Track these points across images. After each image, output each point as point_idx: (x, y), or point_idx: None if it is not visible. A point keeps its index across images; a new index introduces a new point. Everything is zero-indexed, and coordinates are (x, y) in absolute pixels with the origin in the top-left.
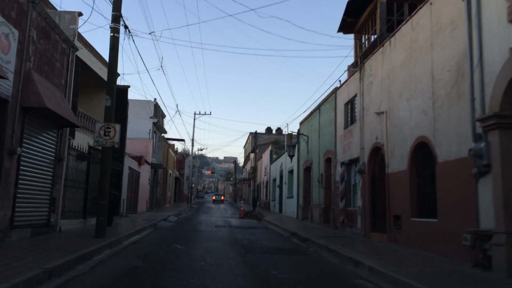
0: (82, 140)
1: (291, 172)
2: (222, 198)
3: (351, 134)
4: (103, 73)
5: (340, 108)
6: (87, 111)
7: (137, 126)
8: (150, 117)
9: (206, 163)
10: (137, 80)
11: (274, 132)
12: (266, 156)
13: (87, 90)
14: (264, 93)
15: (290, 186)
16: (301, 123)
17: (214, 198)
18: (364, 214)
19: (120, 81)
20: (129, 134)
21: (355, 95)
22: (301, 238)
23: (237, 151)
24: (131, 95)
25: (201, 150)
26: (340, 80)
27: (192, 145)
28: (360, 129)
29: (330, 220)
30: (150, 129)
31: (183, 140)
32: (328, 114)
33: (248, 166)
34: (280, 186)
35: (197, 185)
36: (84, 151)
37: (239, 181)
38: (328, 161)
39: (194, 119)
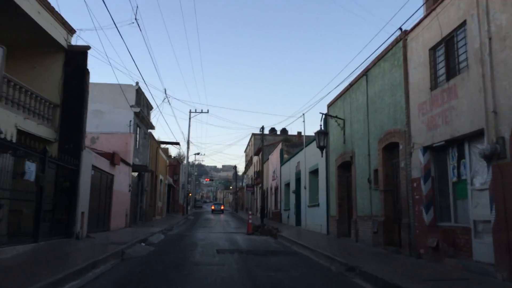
0: (5, 120)
1: (314, 172)
2: (222, 207)
3: (453, 94)
4: (43, 21)
5: (418, 59)
6: (27, 81)
7: (115, 117)
8: (131, 106)
9: (204, 172)
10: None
11: (278, 133)
12: (274, 157)
13: (28, 52)
14: (270, 86)
15: (314, 191)
16: (329, 105)
17: (213, 208)
18: (505, 235)
19: (76, 41)
20: (104, 127)
21: (461, 25)
22: (376, 281)
23: (238, 154)
24: (107, 77)
25: (198, 154)
26: (401, 28)
27: (188, 147)
28: (483, 78)
29: (400, 242)
30: (131, 121)
31: (177, 143)
32: (388, 76)
33: (251, 172)
34: (297, 192)
35: (195, 194)
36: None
37: (240, 189)
38: (389, 148)
39: (190, 118)
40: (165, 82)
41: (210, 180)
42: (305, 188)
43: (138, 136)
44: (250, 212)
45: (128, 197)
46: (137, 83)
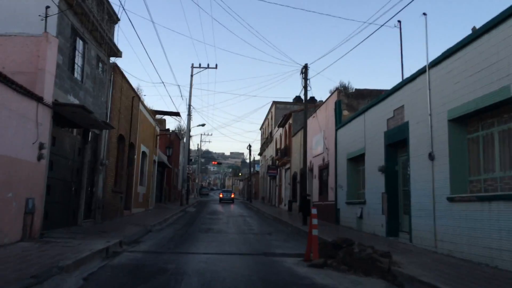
0: None
1: (461, 119)
2: (232, 196)
3: None
4: None
5: None
6: None
7: (12, 4)
8: None
9: (212, 159)
10: None
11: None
12: (321, 118)
13: None
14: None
15: (457, 161)
16: None
17: (221, 196)
18: None
19: None
20: None
21: None
22: None
23: (250, 136)
24: None
25: (203, 125)
26: None
27: (189, 114)
28: None
29: None
30: (48, 8)
31: (176, 114)
32: None
33: (270, 152)
34: (391, 170)
35: (201, 180)
36: None
37: (253, 174)
38: None
39: (192, 75)
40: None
41: (218, 163)
42: (431, 158)
43: (76, 53)
44: (313, 207)
45: (39, 171)
46: None
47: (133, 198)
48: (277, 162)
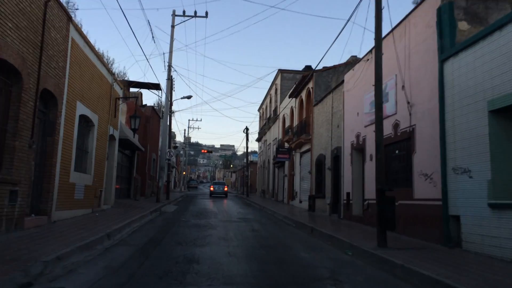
0: None
1: None
2: (226, 189)
3: None
4: None
5: None
6: None
7: None
8: None
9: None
10: None
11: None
12: (391, 53)
13: None
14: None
15: None
16: None
17: (212, 188)
18: None
19: None
20: None
21: None
22: None
23: (246, 116)
24: None
25: (189, 97)
26: None
27: (169, 77)
28: None
29: None
30: None
31: (156, 86)
32: None
33: (274, 133)
34: None
35: (189, 173)
36: None
37: (249, 164)
38: None
39: (173, 25)
40: None
41: (208, 152)
42: None
43: None
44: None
45: None
46: None
47: (58, 193)
48: (286, 144)
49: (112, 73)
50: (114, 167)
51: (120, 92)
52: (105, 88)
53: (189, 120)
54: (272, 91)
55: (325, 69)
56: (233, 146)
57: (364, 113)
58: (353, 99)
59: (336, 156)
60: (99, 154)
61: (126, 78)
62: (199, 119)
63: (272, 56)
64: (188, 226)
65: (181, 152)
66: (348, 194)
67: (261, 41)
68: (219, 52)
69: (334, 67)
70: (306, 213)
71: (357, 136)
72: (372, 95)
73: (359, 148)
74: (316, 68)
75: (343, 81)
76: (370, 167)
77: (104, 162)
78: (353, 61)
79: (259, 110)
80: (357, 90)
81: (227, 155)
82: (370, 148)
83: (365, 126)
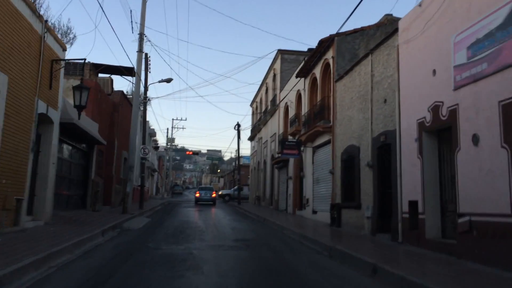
0: None
1: None
2: (214, 195)
3: None
4: None
5: None
6: None
7: None
8: None
9: (187, 157)
10: None
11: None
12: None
13: None
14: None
15: None
16: None
17: (197, 195)
18: None
19: None
20: None
21: None
22: None
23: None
24: None
25: (169, 81)
26: None
27: (141, 49)
28: None
29: None
30: None
31: (129, 71)
32: None
33: (273, 127)
34: None
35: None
36: None
37: (239, 168)
38: None
39: None
40: None
41: (193, 153)
42: None
43: None
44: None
45: None
46: None
47: None
48: (290, 137)
49: (41, 18)
50: (51, 164)
51: (60, 54)
52: (25, 37)
53: (173, 119)
54: (269, 79)
55: (351, 32)
56: (220, 151)
57: (453, 67)
58: (422, 51)
59: (383, 146)
60: (12, 140)
61: (92, 62)
62: (183, 118)
63: (268, 41)
64: (152, 264)
65: (165, 155)
66: (413, 204)
67: (251, 21)
68: (203, 36)
69: (362, 29)
70: (328, 230)
71: (435, 108)
72: (476, 31)
73: (439, 128)
74: (339, 31)
75: (394, 31)
76: (475, 158)
77: (27, 156)
78: (388, 22)
79: (251, 105)
80: (432, 33)
81: (214, 157)
82: (473, 123)
83: (456, 89)
